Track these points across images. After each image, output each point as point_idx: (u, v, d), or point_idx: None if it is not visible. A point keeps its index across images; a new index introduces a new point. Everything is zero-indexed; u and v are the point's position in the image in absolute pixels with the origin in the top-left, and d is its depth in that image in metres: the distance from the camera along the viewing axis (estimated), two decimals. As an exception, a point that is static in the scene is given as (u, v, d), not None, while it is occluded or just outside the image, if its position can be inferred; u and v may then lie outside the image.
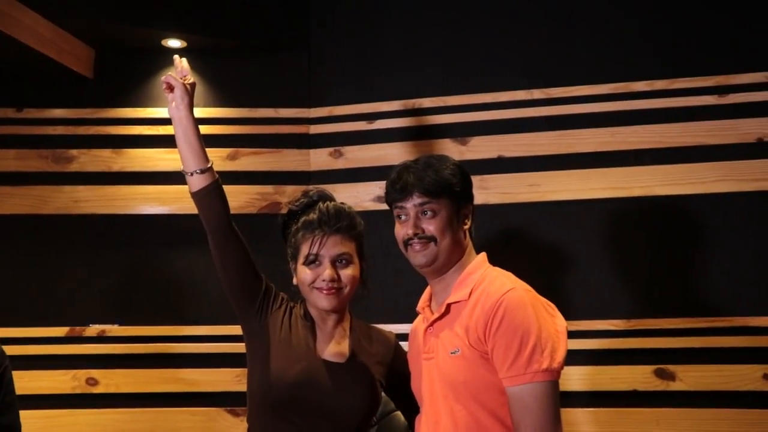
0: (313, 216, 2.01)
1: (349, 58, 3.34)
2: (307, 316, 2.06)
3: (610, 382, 2.89)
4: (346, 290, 2.00)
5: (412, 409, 2.04)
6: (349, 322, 2.10)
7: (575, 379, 2.89)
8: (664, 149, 2.96)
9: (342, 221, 2.00)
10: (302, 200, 2.08)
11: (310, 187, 3.12)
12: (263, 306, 2.01)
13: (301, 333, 2.02)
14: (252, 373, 2.00)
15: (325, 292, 1.97)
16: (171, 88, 2.04)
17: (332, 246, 1.98)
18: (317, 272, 1.98)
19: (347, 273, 1.99)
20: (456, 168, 1.93)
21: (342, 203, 2.08)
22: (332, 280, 1.96)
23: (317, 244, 1.97)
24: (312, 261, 1.98)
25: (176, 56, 2.16)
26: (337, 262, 1.99)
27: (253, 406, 2.00)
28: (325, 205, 2.03)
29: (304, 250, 1.99)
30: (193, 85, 2.07)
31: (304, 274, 1.99)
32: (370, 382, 2.01)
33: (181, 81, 2.04)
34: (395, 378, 2.08)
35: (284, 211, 2.18)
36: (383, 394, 2.12)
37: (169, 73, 2.12)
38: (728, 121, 2.91)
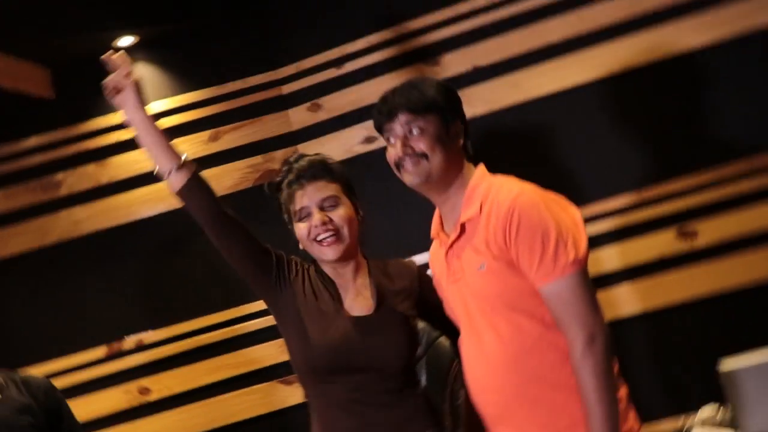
0: (291, 176, 2.03)
1: (303, 8, 3.25)
2: (323, 276, 2.06)
3: (636, 255, 2.89)
4: (344, 231, 2.00)
5: (454, 330, 2.04)
6: (366, 267, 2.09)
7: (603, 260, 2.90)
8: (634, 19, 2.89)
9: (316, 168, 2.02)
10: (283, 169, 2.09)
11: (289, 153, 3.13)
12: (280, 278, 2.01)
13: (325, 295, 2.02)
14: (289, 345, 2.01)
15: (325, 243, 1.98)
16: (118, 91, 1.96)
17: (314, 192, 2.00)
18: (310, 223, 1.99)
19: (338, 213, 2.00)
20: (440, 85, 1.93)
21: (316, 154, 2.10)
22: (323, 223, 1.97)
23: (303, 197, 2.00)
24: (303, 215, 2.00)
25: (114, 54, 2.05)
26: (324, 207, 2.00)
27: (300, 375, 2.02)
28: (298, 162, 2.05)
29: (293, 207, 2.02)
30: (139, 81, 1.98)
31: (299, 229, 2.02)
32: (402, 322, 2.02)
33: (128, 79, 1.95)
34: (427, 305, 2.08)
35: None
36: (423, 324, 2.13)
37: (111, 76, 2.02)
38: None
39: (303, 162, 2.04)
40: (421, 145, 1.85)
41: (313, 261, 2.09)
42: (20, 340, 3.23)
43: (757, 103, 2.81)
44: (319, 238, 1.98)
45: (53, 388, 2.44)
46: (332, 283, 2.04)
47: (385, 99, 1.90)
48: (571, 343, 1.70)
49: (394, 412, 1.96)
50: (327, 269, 2.06)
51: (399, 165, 1.87)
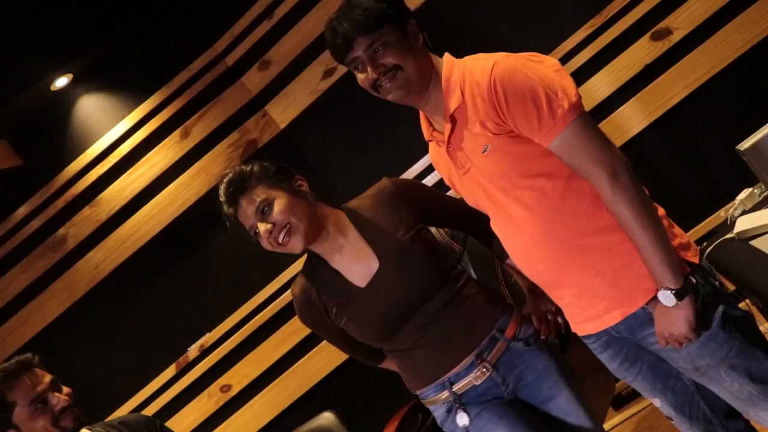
0: (225, 207, 1.92)
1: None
2: (320, 261, 1.99)
3: (622, 73, 2.86)
4: (293, 220, 1.89)
5: (472, 222, 2.01)
6: (346, 219, 2.00)
7: (595, 90, 2.88)
8: None
9: (232, 186, 1.90)
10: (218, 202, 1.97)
11: (259, 118, 3.02)
12: (329, 318, 2.00)
13: (334, 285, 1.97)
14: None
15: (284, 242, 1.88)
16: None
17: (246, 209, 1.89)
18: (262, 237, 1.89)
19: (276, 211, 1.88)
20: None
21: (226, 173, 1.96)
22: (270, 232, 1.88)
23: (243, 220, 1.90)
24: (255, 233, 1.90)
25: None
26: (263, 215, 1.89)
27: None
28: (220, 191, 1.93)
29: (245, 233, 1.93)
30: None
31: (265, 245, 1.92)
32: (410, 251, 1.94)
33: None
34: (430, 208, 2.03)
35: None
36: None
37: None
38: None
39: (223, 190, 1.93)
40: (390, 59, 1.78)
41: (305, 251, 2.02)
42: (95, 391, 3.27)
43: None
44: (279, 241, 1.88)
45: (150, 418, 2.49)
46: (332, 269, 1.98)
47: (334, 30, 1.81)
48: (598, 185, 1.68)
49: (459, 317, 1.95)
50: (317, 250, 1.98)
51: (376, 86, 1.83)
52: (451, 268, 2.02)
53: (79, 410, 2.12)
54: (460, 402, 1.96)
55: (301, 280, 2.03)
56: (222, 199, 1.93)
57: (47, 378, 2.09)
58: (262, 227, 1.88)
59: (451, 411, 1.98)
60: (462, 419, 1.96)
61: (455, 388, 1.96)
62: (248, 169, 1.95)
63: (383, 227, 1.98)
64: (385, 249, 1.95)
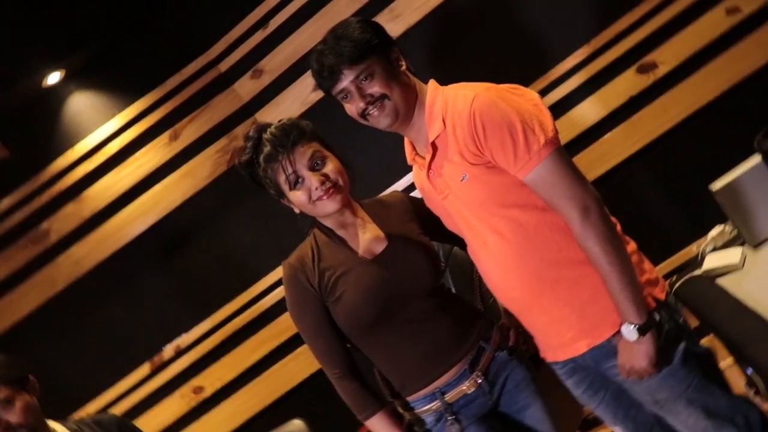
0: (267, 149, 1.97)
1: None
2: (330, 234, 2.05)
3: (606, 104, 2.92)
4: (341, 182, 1.98)
5: (460, 241, 2.07)
6: (360, 207, 2.10)
7: (578, 118, 2.93)
8: None
9: (291, 132, 1.97)
10: (248, 145, 2.03)
11: (249, 125, 3.08)
12: (324, 300, 2.02)
13: (340, 255, 2.02)
14: (334, 315, 2.02)
15: (325, 196, 1.96)
16: None
17: (300, 157, 1.96)
18: (306, 187, 1.96)
19: (329, 168, 1.98)
20: (362, 24, 1.88)
21: (280, 120, 2.04)
22: (322, 183, 1.95)
23: (288, 165, 1.95)
24: (295, 182, 1.97)
25: None
26: (314, 167, 1.97)
27: (352, 336, 2.04)
28: (269, 132, 1.99)
29: (282, 178, 1.98)
30: None
31: (297, 197, 1.98)
32: (418, 243, 2.05)
33: None
34: (428, 223, 2.10)
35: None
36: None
37: None
38: None
39: (273, 131, 1.98)
40: (376, 89, 1.84)
41: (313, 223, 2.09)
42: (66, 387, 3.27)
43: None
44: (327, 194, 1.95)
45: (123, 420, 2.52)
46: (339, 238, 2.05)
47: (320, 63, 1.85)
48: (568, 220, 1.73)
49: (447, 324, 2.02)
50: (330, 223, 2.05)
51: (364, 115, 1.87)
52: (441, 276, 2.11)
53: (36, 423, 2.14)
54: (452, 411, 2.02)
55: (301, 250, 2.07)
56: (263, 144, 1.98)
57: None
58: (315, 177, 1.95)
59: (440, 420, 2.04)
60: (453, 429, 2.02)
61: (447, 397, 2.02)
62: (303, 122, 2.03)
63: (394, 218, 2.09)
64: (395, 233, 2.05)
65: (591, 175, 1.81)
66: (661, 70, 2.85)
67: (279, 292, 3.19)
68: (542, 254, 1.81)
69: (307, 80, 3.14)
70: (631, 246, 1.85)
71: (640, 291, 1.74)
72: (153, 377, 3.30)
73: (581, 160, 2.82)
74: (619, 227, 1.82)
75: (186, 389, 3.29)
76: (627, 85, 2.89)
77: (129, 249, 3.28)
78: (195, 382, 3.29)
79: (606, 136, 2.95)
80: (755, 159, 2.14)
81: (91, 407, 3.24)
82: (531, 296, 1.85)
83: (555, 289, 1.82)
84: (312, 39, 3.06)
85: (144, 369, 3.30)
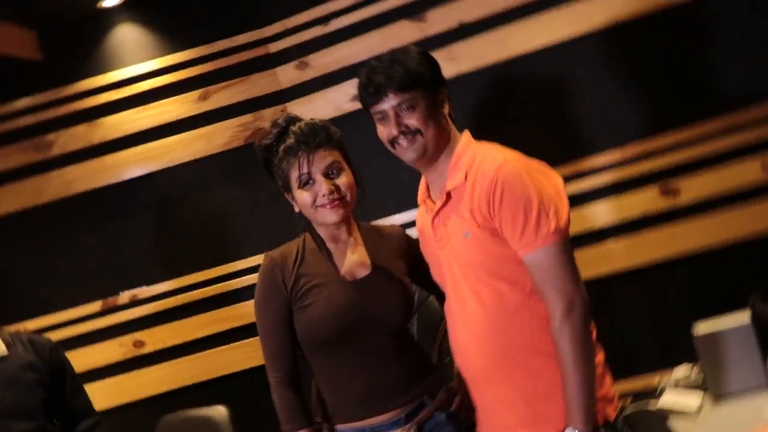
0: (290, 141, 1.97)
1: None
2: (319, 243, 2.05)
3: (619, 212, 2.92)
4: (348, 198, 1.99)
5: (441, 292, 2.08)
6: (357, 228, 2.11)
7: (590, 216, 2.93)
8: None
9: (319, 135, 1.97)
10: (273, 131, 2.03)
11: (278, 111, 3.08)
12: (291, 303, 2.01)
13: (322, 266, 2.01)
14: (295, 321, 2.01)
15: (329, 206, 1.96)
16: None
17: (319, 160, 1.96)
18: (314, 191, 1.96)
19: (342, 181, 1.98)
20: (422, 56, 1.89)
21: (312, 119, 2.04)
22: (331, 192, 1.95)
23: (305, 164, 1.95)
24: (306, 182, 1.97)
25: None
26: (329, 174, 1.97)
27: (306, 348, 2.03)
28: (297, 126, 1.99)
29: (294, 174, 1.97)
30: None
31: (302, 197, 1.98)
32: (399, 282, 2.05)
33: None
34: (416, 266, 2.10)
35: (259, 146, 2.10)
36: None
37: None
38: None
39: (302, 127, 1.98)
40: (413, 122, 1.84)
41: (307, 227, 2.09)
42: (17, 296, 3.28)
43: (738, 60, 2.80)
44: (333, 204, 1.96)
45: (58, 347, 2.50)
46: (327, 250, 2.05)
47: (369, 78, 1.86)
48: (551, 311, 1.74)
49: (400, 368, 2.01)
50: (323, 233, 2.05)
51: (393, 143, 1.88)
52: (409, 319, 2.12)
53: None
54: None
55: (287, 248, 2.07)
56: (287, 135, 1.98)
57: None
58: (326, 184, 1.96)
59: None
60: None
61: None
62: (332, 128, 2.04)
63: (386, 250, 2.09)
64: (380, 264, 2.05)
65: (582, 274, 1.82)
66: (683, 200, 2.86)
67: (251, 280, 3.17)
68: (514, 334, 1.80)
69: (346, 88, 3.15)
70: (600, 357, 1.84)
71: (594, 403, 1.74)
72: (100, 317, 3.29)
73: (577, 256, 2.81)
74: (595, 334, 1.82)
75: (127, 339, 3.28)
76: (646, 201, 2.90)
77: (122, 187, 3.29)
78: (139, 335, 3.28)
79: (609, 243, 2.95)
80: (744, 316, 2.15)
81: (31, 324, 3.21)
82: (489, 370, 1.84)
83: (514, 371, 1.81)
84: (364, 51, 3.08)
85: (95, 306, 3.29)
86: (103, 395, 3.17)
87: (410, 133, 1.85)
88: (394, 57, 1.86)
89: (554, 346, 1.75)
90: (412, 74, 1.83)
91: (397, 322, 2.03)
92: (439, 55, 2.90)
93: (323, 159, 1.97)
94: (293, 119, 2.03)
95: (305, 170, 1.96)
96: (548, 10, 2.94)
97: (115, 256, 3.30)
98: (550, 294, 1.73)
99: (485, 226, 1.79)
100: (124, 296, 3.28)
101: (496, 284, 1.80)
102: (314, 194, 1.97)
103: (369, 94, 1.87)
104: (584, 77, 2.95)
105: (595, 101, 2.95)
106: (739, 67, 2.79)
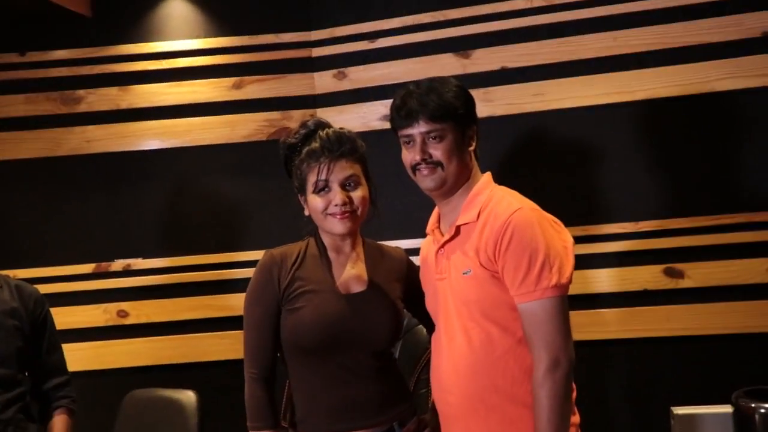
0: (315, 145, 1.99)
1: (346, -23, 3.27)
2: (321, 250, 2.06)
3: (620, 283, 2.94)
4: (359, 212, 2.00)
5: (431, 322, 2.08)
6: (362, 243, 2.12)
7: (586, 282, 2.94)
8: (667, 50, 2.91)
9: (345, 145, 1.99)
10: (301, 131, 2.05)
11: (307, 114, 3.11)
12: (281, 303, 2.02)
13: (318, 273, 2.03)
14: (282, 323, 2.02)
15: (339, 216, 1.97)
16: None
17: (339, 170, 1.97)
18: (328, 198, 1.97)
19: (358, 195, 1.99)
20: (459, 90, 1.91)
21: (341, 128, 2.06)
22: (344, 203, 1.96)
23: (324, 171, 1.97)
24: (321, 188, 1.98)
25: None
26: (346, 186, 1.98)
27: (287, 351, 2.04)
28: (325, 132, 2.01)
29: (312, 178, 1.99)
30: None
31: (315, 202, 1.99)
32: (392, 304, 2.05)
33: None
34: (412, 292, 2.12)
35: (284, 144, 2.11)
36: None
37: None
38: (732, 17, 2.84)
39: (330, 134, 2.00)
40: (438, 154, 1.86)
41: (313, 232, 2.10)
42: (14, 242, 3.28)
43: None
44: (343, 216, 1.97)
45: (43, 300, 2.50)
46: (328, 259, 2.06)
47: (404, 101, 1.89)
48: (536, 363, 1.74)
49: (376, 389, 2.01)
50: (327, 241, 2.06)
51: (415, 169, 1.90)
52: (394, 343, 2.13)
53: None
54: None
55: (289, 248, 2.08)
56: (313, 139, 2.00)
57: None
58: (341, 194, 1.97)
59: None
60: None
61: None
62: (359, 141, 2.05)
63: (385, 270, 2.10)
64: (377, 283, 2.05)
65: (573, 335, 1.83)
66: (685, 283, 2.88)
67: (247, 273, 3.14)
68: (495, 378, 1.81)
69: (378, 107, 3.19)
70: (575, 419, 1.84)
71: (562, 462, 1.73)
72: (90, 279, 3.29)
73: (572, 317, 2.81)
74: (574, 395, 1.82)
75: (112, 307, 3.28)
76: (648, 277, 2.91)
77: (139, 157, 3.31)
78: (124, 305, 3.28)
79: (603, 310, 2.97)
80: (725, 409, 2.15)
81: (22, 273, 3.21)
82: (464, 409, 1.85)
83: (488, 415, 1.82)
84: (404, 74, 3.13)
85: (87, 267, 3.30)
86: (77, 357, 3.15)
87: (432, 163, 1.87)
88: (432, 86, 1.89)
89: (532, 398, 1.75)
90: (446, 106, 1.86)
91: (381, 343, 2.03)
92: (476, 94, 2.94)
93: (344, 169, 1.98)
94: (323, 124, 2.05)
95: (324, 177, 1.97)
96: (591, 73, 2.99)
97: (117, 223, 3.31)
98: (538, 346, 1.74)
99: (487, 266, 1.81)
100: (118, 264, 3.29)
101: (487, 326, 1.81)
102: (327, 202, 1.98)
103: (401, 117, 1.89)
104: (613, 145, 2.98)
105: (618, 170, 2.98)
106: (768, 171, 2.82)
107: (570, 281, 1.77)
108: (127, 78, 3.29)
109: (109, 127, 3.30)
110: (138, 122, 3.30)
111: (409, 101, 1.87)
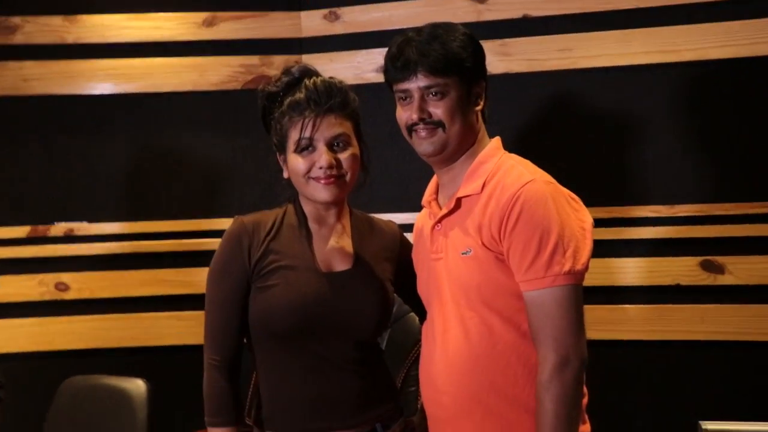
0: (299, 95, 2.01)
1: None
2: (301, 220, 2.09)
3: (649, 275, 3.00)
4: (348, 177, 2.03)
5: (424, 310, 2.12)
6: (348, 214, 2.15)
7: (609, 272, 3.00)
8: (721, 3, 2.93)
9: (334, 98, 2.01)
10: (283, 79, 2.07)
11: (291, 61, 3.11)
12: (250, 279, 2.05)
13: (296, 246, 2.05)
14: (250, 304, 2.05)
15: (323, 181, 1.99)
16: None
17: (326, 127, 1.99)
18: (312, 159, 2.00)
19: (346, 156, 2.01)
20: (467, 39, 1.93)
21: (331, 77, 2.08)
22: (330, 167, 1.98)
23: (309, 127, 1.99)
24: (305, 147, 2.00)
25: None
26: (333, 146, 2.00)
27: (254, 336, 2.07)
28: (312, 81, 2.03)
29: (294, 135, 2.01)
30: None
31: (296, 163, 2.01)
32: (380, 286, 2.08)
33: None
34: (405, 274, 2.15)
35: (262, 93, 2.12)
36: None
37: None
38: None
39: (318, 83, 2.01)
40: (439, 112, 1.89)
41: (292, 198, 2.13)
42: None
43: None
44: (328, 179, 1.99)
45: None
46: (308, 230, 2.09)
47: (401, 50, 1.90)
48: (542, 361, 1.78)
49: (357, 384, 2.05)
50: (308, 209, 2.10)
51: (411, 129, 1.92)
52: (380, 333, 2.16)
53: None
54: None
55: (263, 215, 2.11)
56: (298, 88, 2.01)
57: None
58: (327, 156, 1.99)
59: None
60: None
61: None
62: (351, 95, 2.07)
63: (374, 246, 2.13)
64: (364, 261, 2.09)
65: (588, 332, 1.86)
66: (725, 280, 2.93)
67: (213, 244, 3.17)
68: (494, 377, 1.85)
69: (374, 55, 3.23)
70: (585, 428, 1.90)
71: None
72: (23, 245, 3.29)
73: (588, 311, 2.87)
74: (585, 401, 1.87)
75: (50, 279, 3.29)
76: (682, 270, 2.97)
77: (88, 102, 3.32)
78: (64, 277, 3.29)
79: (627, 306, 3.02)
80: (763, 426, 2.20)
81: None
82: (457, 411, 1.89)
83: (485, 418, 1.86)
84: (406, 18, 3.17)
85: (20, 231, 3.29)
86: (6, 336, 3.22)
87: (432, 123, 1.89)
88: (435, 33, 1.90)
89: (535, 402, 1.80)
90: (450, 56, 1.87)
91: (366, 331, 2.07)
92: (489, 46, 2.99)
93: (332, 127, 2.00)
94: (309, 72, 2.07)
95: (308, 134, 1.99)
96: (628, 27, 3.02)
97: (60, 180, 3.32)
98: (546, 342, 1.77)
99: (491, 247, 1.83)
100: (59, 228, 3.30)
101: (488, 316, 1.85)
102: (310, 163, 2.00)
103: (396, 68, 1.91)
104: (649, 113, 3.03)
105: (654, 143, 3.02)
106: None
107: (586, 268, 1.80)
108: (76, 4, 3.27)
109: (51, 64, 3.29)
110: (88, 60, 3.30)
111: (406, 50, 1.89)
